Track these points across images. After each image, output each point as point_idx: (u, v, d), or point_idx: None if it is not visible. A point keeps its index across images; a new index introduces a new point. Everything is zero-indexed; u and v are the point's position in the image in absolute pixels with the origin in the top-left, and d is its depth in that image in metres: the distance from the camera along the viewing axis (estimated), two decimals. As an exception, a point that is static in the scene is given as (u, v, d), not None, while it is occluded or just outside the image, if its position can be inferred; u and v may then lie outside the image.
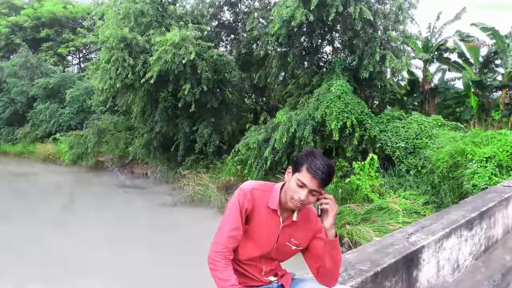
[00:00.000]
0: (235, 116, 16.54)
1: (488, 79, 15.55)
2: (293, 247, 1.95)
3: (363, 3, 11.72)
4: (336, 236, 1.90)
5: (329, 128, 10.97)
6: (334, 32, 13.83)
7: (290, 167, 1.87)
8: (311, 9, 11.29)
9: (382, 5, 12.97)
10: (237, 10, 17.43)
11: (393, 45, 12.83)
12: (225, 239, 1.81)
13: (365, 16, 11.25)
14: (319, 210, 1.85)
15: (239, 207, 1.83)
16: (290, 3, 11.54)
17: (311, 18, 11.39)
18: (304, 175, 1.77)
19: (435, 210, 8.10)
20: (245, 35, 16.92)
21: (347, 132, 11.01)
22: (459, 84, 16.30)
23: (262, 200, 1.87)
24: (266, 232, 1.89)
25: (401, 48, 13.07)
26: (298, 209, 1.86)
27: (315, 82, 12.92)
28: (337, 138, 10.86)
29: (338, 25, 13.19)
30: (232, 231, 1.82)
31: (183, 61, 12.98)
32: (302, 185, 1.77)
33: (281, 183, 1.92)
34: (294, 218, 1.90)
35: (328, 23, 12.72)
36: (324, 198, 1.82)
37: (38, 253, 8.56)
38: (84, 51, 35.51)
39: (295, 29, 12.53)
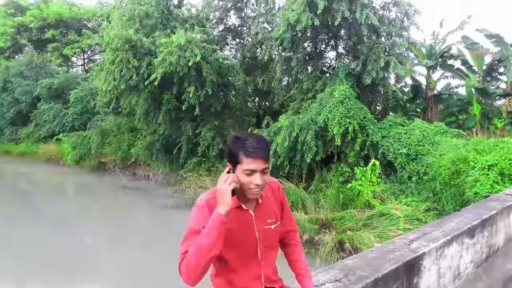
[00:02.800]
0: (238, 119, 16.56)
1: (491, 87, 15.54)
2: (273, 227, 1.89)
3: (369, 8, 11.74)
4: None
5: (332, 133, 10.97)
6: (338, 38, 13.87)
7: (228, 164, 1.76)
8: (317, 13, 11.33)
9: (387, 11, 13.01)
10: (243, 14, 17.52)
11: (397, 51, 12.85)
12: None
13: (371, 22, 11.27)
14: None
15: (198, 227, 1.68)
16: (296, 7, 11.58)
17: (317, 22, 11.42)
18: (247, 162, 1.68)
19: (437, 217, 8.08)
20: (250, 39, 16.98)
21: (349, 138, 11.01)
22: (462, 91, 16.31)
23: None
24: (242, 230, 1.80)
25: (405, 54, 13.07)
26: (260, 194, 1.80)
27: (318, 87, 12.94)
28: (339, 143, 10.86)
29: (343, 31, 13.23)
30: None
31: (189, 64, 13.03)
32: (251, 172, 1.69)
33: None
34: (260, 201, 1.85)
35: (333, 28, 12.75)
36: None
37: (39, 254, 8.58)
38: (89, 52, 35.71)
39: (300, 33, 12.57)
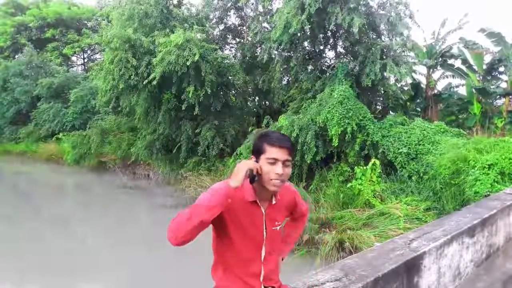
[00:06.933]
0: (238, 119, 16.55)
1: (492, 86, 15.55)
2: (278, 228, 1.94)
3: (363, 9, 11.69)
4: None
5: (331, 134, 10.97)
6: (337, 37, 13.86)
7: (252, 156, 1.84)
8: (306, 17, 11.32)
9: (384, 10, 12.95)
10: (243, 14, 17.49)
11: (397, 51, 12.79)
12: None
13: (358, 25, 11.13)
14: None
15: (204, 203, 1.67)
16: (288, 10, 11.59)
17: (307, 26, 11.43)
18: (270, 151, 1.77)
19: (437, 217, 8.08)
20: (250, 38, 16.97)
21: (347, 138, 11.00)
22: (462, 91, 16.32)
23: (237, 196, 1.76)
24: (251, 226, 1.84)
25: (403, 54, 13.03)
26: (279, 188, 1.82)
27: (318, 87, 12.91)
28: (337, 144, 10.84)
29: (341, 31, 13.22)
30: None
31: (187, 63, 13.01)
32: (274, 161, 1.77)
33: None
34: (274, 202, 1.90)
35: (331, 28, 12.73)
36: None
37: (39, 253, 8.57)
38: (89, 51, 35.71)
39: (298, 34, 12.54)
